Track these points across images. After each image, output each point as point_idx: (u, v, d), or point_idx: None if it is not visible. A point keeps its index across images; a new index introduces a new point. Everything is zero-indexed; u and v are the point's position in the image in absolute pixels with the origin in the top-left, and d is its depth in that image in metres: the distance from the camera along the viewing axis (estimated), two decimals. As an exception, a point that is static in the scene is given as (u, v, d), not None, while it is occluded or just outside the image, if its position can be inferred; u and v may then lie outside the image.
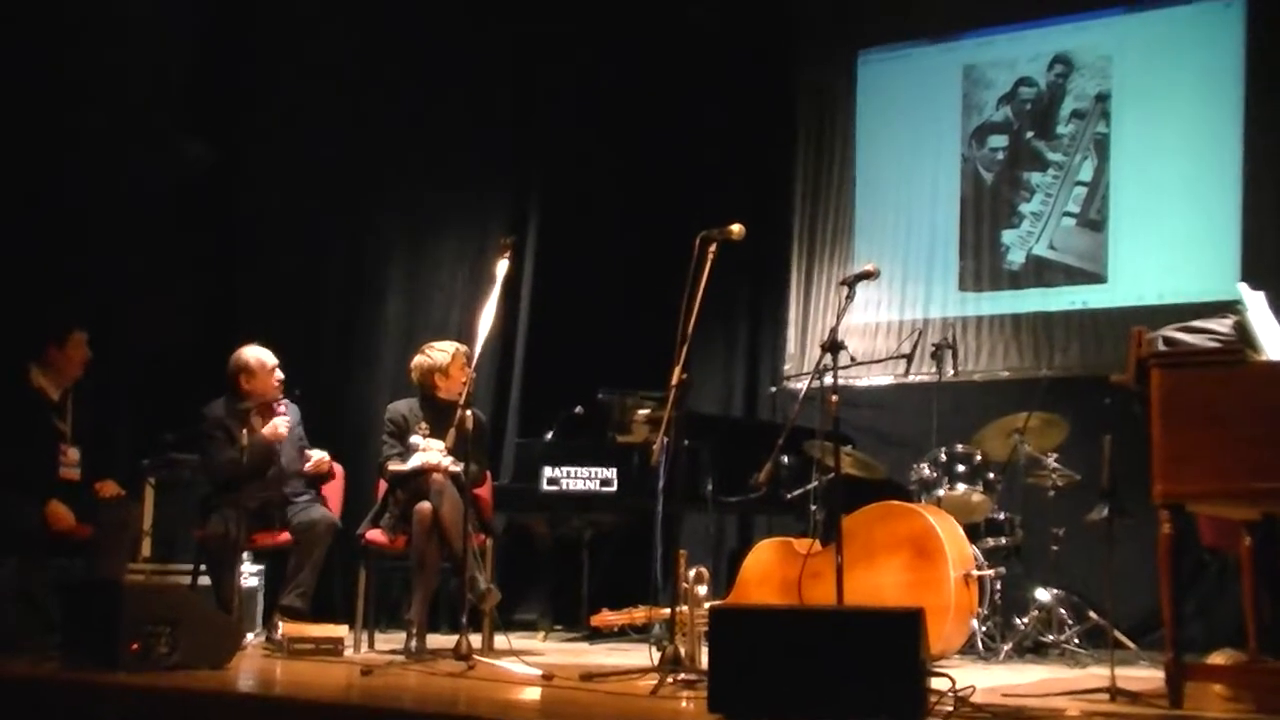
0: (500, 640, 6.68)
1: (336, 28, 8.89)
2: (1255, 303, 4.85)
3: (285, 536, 6.89)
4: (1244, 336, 4.75)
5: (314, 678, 5.54)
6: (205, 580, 6.69)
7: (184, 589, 6.43)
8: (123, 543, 6.66)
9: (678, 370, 5.47)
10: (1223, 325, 4.87)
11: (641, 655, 5.72)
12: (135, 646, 5.31)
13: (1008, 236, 9.08)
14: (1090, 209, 8.83)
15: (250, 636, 6.69)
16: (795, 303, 9.68)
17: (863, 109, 9.72)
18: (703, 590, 5.53)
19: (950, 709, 4.17)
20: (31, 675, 5.28)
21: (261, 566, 7.35)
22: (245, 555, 6.96)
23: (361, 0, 9.07)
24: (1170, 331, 4.93)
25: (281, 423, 7.01)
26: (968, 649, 6.73)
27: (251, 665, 5.88)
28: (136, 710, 4.85)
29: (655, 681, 4.90)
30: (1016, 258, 9.05)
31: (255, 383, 7.10)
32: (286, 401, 7.14)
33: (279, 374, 7.15)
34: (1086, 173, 8.87)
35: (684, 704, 4.51)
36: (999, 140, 9.20)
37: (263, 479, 6.95)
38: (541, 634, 8.04)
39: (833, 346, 5.61)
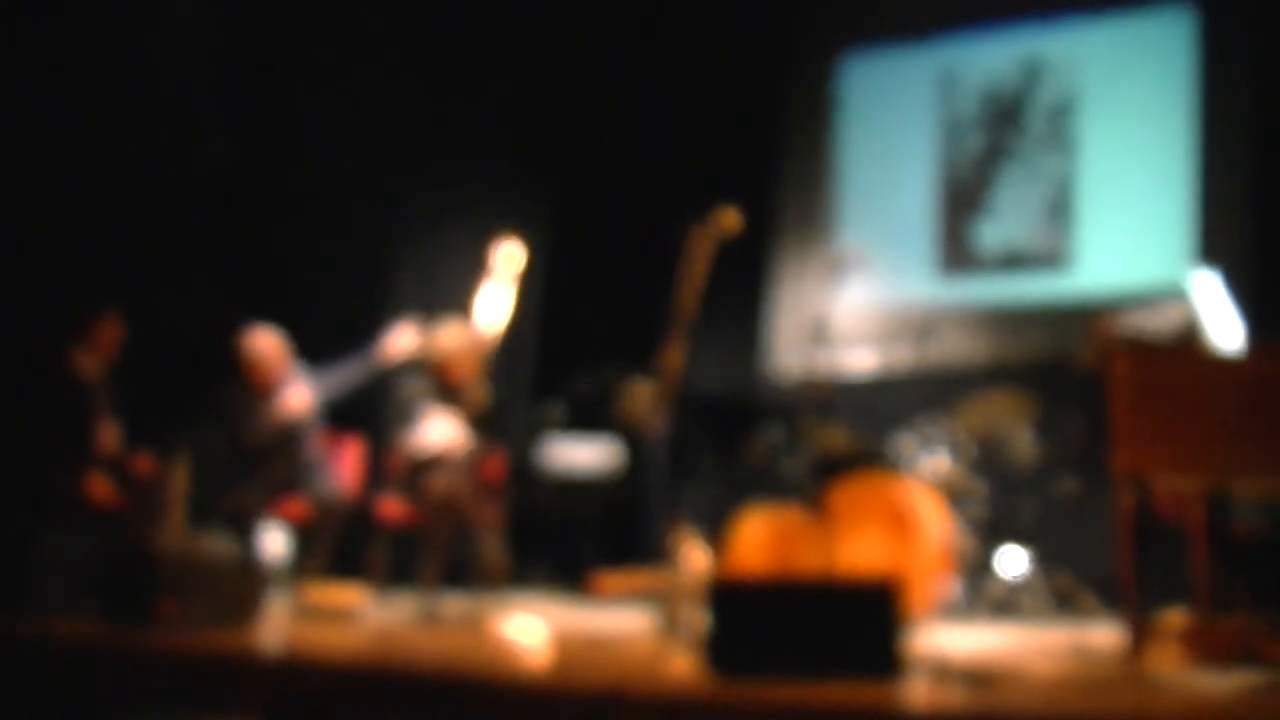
0: (507, 606, 6.97)
1: (354, 22, 9.13)
2: (1204, 289, 5.21)
3: (305, 508, 7.22)
4: (1191, 326, 5.12)
5: (333, 640, 5.75)
6: (233, 546, 6.98)
7: (212, 553, 6.73)
8: (158, 512, 6.97)
9: (672, 353, 5.72)
10: (1174, 314, 5.22)
11: (640, 618, 5.99)
12: (168, 607, 5.69)
13: (981, 226, 9.36)
14: (1057, 201, 9.12)
15: (273, 600, 6.94)
16: (783, 284, 9.92)
17: (845, 102, 9.95)
18: (699, 557, 5.77)
19: (926, 667, 4.46)
20: (72, 637, 5.52)
21: (284, 533, 7.59)
22: (268, 523, 7.29)
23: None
24: (1129, 319, 5.27)
25: (294, 401, 7.30)
26: (945, 611, 6.98)
27: (274, 627, 6.10)
28: (170, 667, 5.09)
29: (655, 642, 5.20)
30: (989, 246, 9.33)
31: (263, 368, 7.39)
32: (304, 380, 7.43)
33: (289, 356, 7.43)
34: (1054, 167, 9.15)
35: (684, 664, 4.64)
36: (972, 135, 9.46)
37: (281, 455, 7.28)
38: (547, 598, 8.29)
39: (820, 329, 5.80)
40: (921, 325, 8.74)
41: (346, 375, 7.44)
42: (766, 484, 8.45)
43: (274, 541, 7.37)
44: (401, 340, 7.34)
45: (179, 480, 6.62)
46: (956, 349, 9.12)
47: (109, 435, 7.07)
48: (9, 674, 5.21)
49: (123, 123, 8.12)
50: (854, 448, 7.77)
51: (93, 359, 7.12)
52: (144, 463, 7.07)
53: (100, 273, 7.92)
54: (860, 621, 4.21)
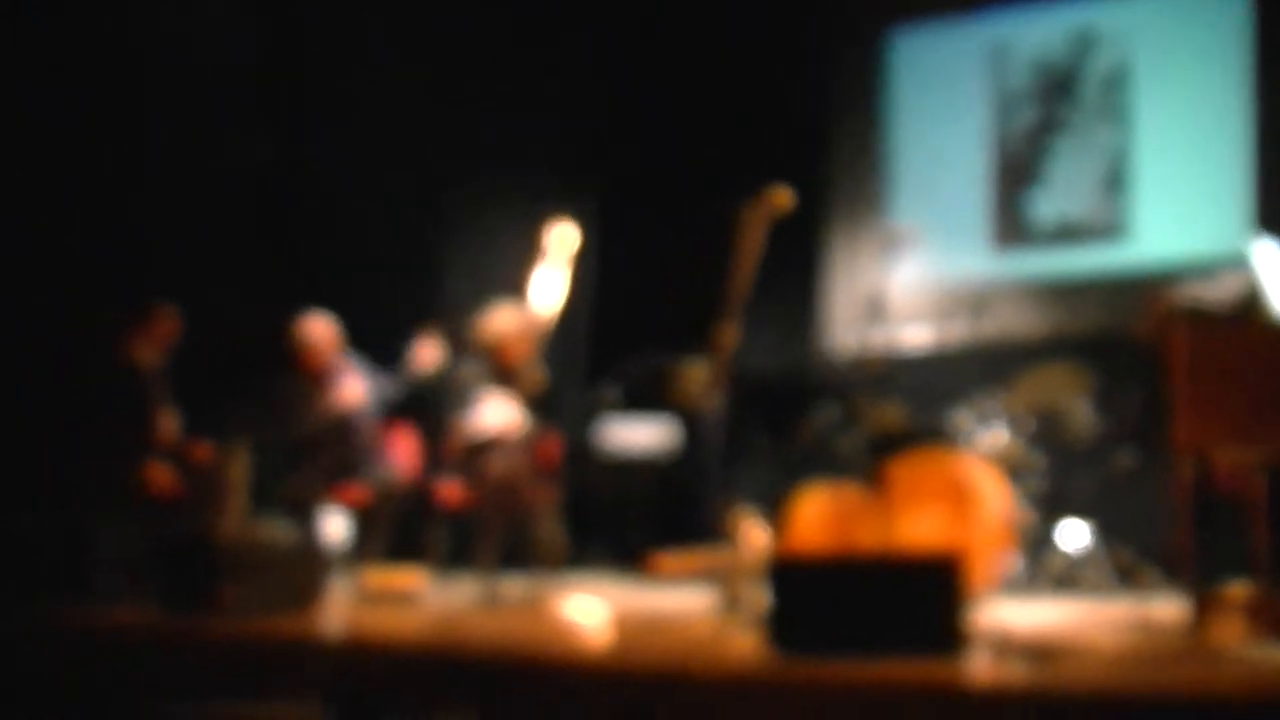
0: (566, 587, 6.99)
1: (397, 8, 9.14)
2: (1265, 258, 5.17)
3: (363, 492, 7.27)
4: (1254, 294, 5.07)
5: (393, 623, 5.78)
6: (293, 532, 7.03)
7: (272, 540, 6.76)
8: (218, 501, 7.03)
9: (726, 332, 5.73)
10: (1233, 284, 5.18)
11: (701, 598, 5.99)
12: (229, 594, 5.74)
13: (1035, 199, 9.31)
14: (1112, 173, 9.05)
15: (333, 585, 6.99)
16: (836, 262, 9.90)
17: (894, 78, 9.91)
18: (757, 535, 5.80)
19: (987, 642, 4.46)
20: (133, 626, 5.58)
21: (343, 518, 7.61)
22: (327, 508, 7.34)
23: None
24: (1187, 290, 5.24)
25: (349, 392, 7.36)
26: (1006, 586, 6.96)
27: (335, 612, 6.16)
28: (231, 654, 5.15)
29: (716, 621, 5.20)
30: (1044, 219, 9.28)
31: (316, 355, 7.45)
32: (359, 368, 7.48)
33: (340, 344, 7.48)
34: (1108, 138, 9.08)
35: (746, 643, 4.68)
36: (1025, 108, 9.41)
37: (337, 441, 7.33)
38: (606, 579, 8.33)
39: (875, 306, 5.79)
40: (976, 300, 8.71)
41: (383, 384, 7.50)
42: (822, 463, 8.44)
43: (333, 526, 7.41)
44: (427, 357, 7.37)
45: (238, 468, 6.67)
46: (1012, 323, 9.07)
47: (168, 424, 7.13)
48: (71, 663, 5.26)
49: (173, 116, 8.17)
50: (910, 424, 7.76)
51: (150, 349, 7.18)
52: (203, 451, 7.12)
53: (156, 264, 7.97)
54: (922, 597, 4.21)
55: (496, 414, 7.08)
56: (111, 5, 8.00)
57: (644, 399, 8.59)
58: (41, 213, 7.71)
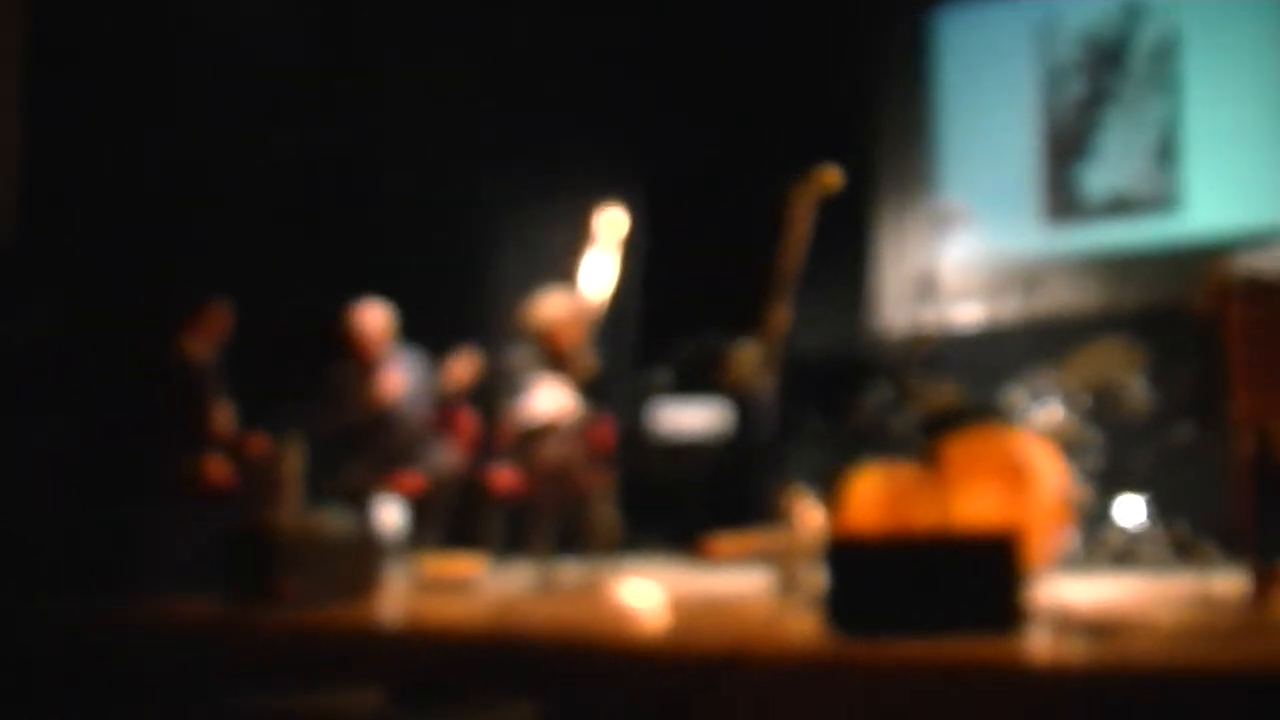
0: (622, 571, 7.01)
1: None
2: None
3: (419, 481, 7.30)
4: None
5: (451, 611, 5.79)
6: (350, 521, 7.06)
7: (329, 530, 6.79)
8: (274, 492, 7.07)
9: (777, 314, 5.73)
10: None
11: (756, 580, 5.99)
12: (288, 585, 5.77)
13: (1087, 173, 9.26)
14: (1163, 144, 8.97)
15: (391, 574, 7.01)
16: (886, 241, 9.88)
17: (941, 55, 9.87)
18: (813, 516, 5.81)
19: (1047, 619, 4.45)
20: (193, 618, 5.61)
21: (399, 507, 7.65)
22: (383, 497, 7.37)
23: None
24: (1244, 261, 5.19)
25: (397, 379, 7.40)
26: (1064, 562, 6.92)
27: (393, 600, 6.20)
28: (291, 644, 5.18)
29: (773, 603, 5.20)
30: (1095, 193, 9.21)
31: (371, 340, 7.49)
32: (409, 356, 7.52)
33: (394, 332, 7.52)
34: (1159, 109, 9.01)
35: (804, 624, 4.67)
36: (1073, 81, 9.34)
37: (390, 430, 7.37)
38: (661, 563, 8.35)
39: (926, 285, 5.77)
40: (1028, 276, 8.67)
41: (420, 400, 7.54)
42: (875, 443, 8.42)
43: (389, 515, 7.44)
44: (461, 371, 7.39)
45: (293, 459, 6.70)
46: (1065, 299, 9.02)
47: (223, 418, 7.17)
48: (132, 657, 5.30)
49: (223, 108, 8.21)
50: (964, 403, 7.74)
51: (203, 344, 7.23)
52: (258, 443, 7.16)
53: (206, 258, 8.02)
54: (980, 575, 4.19)
55: (549, 400, 7.09)
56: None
57: (695, 382, 8.59)
58: (93, 209, 7.76)
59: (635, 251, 9.45)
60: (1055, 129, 9.39)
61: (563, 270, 7.62)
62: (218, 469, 6.97)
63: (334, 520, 6.37)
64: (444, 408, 7.58)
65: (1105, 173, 9.18)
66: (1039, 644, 4.05)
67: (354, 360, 7.48)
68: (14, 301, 7.39)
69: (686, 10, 10.10)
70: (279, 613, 5.55)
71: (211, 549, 6.34)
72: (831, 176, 5.68)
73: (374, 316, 7.50)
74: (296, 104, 8.69)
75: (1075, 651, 3.97)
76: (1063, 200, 9.31)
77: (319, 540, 6.13)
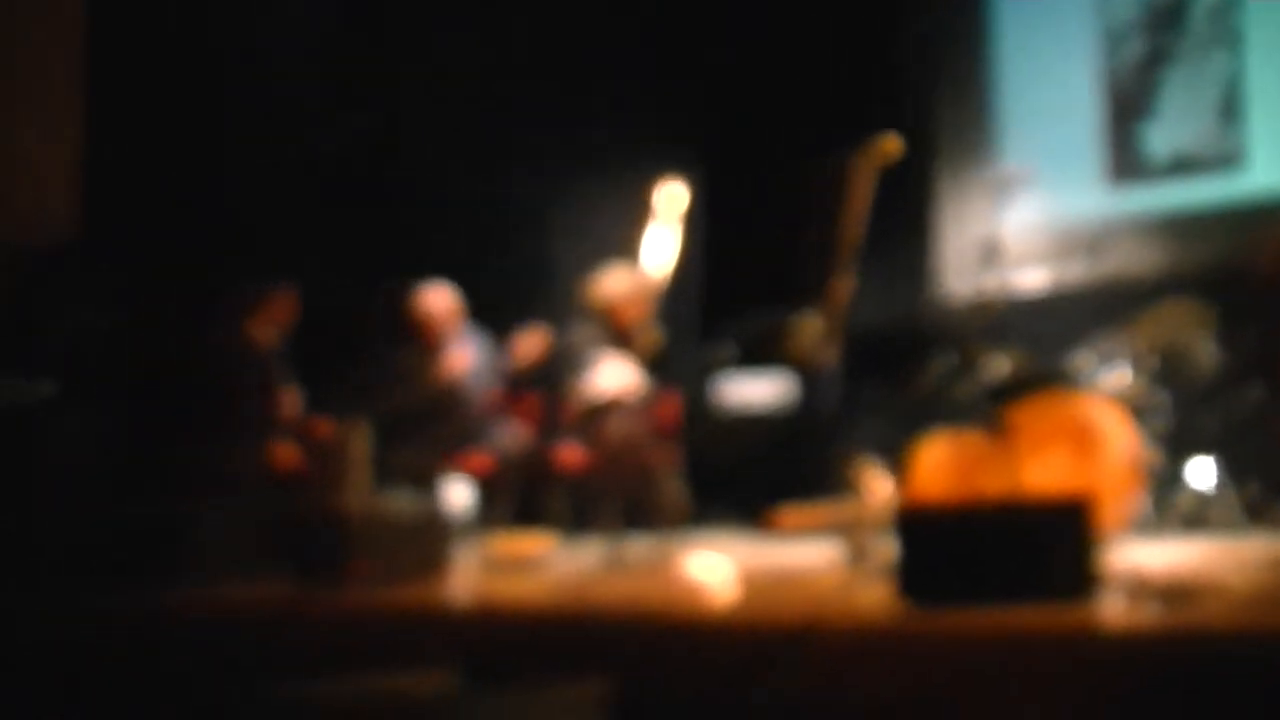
0: (690, 546, 7.01)
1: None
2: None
3: (486, 460, 7.32)
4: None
5: (522, 589, 5.84)
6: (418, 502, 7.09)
7: (398, 511, 6.83)
8: (342, 475, 7.11)
9: (839, 285, 5.73)
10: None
11: (825, 551, 5.93)
12: (359, 567, 5.81)
13: (1149, 134, 9.16)
14: (1226, 102, 8.86)
15: (460, 553, 7.08)
16: (947, 209, 9.80)
17: (999, 19, 9.78)
18: (881, 486, 5.82)
19: (1120, 585, 4.40)
20: (265, 603, 5.69)
21: (467, 487, 7.68)
22: (450, 477, 7.40)
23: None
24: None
25: (463, 357, 7.42)
26: (1135, 527, 6.88)
27: (464, 580, 6.22)
28: (364, 626, 5.22)
29: (844, 574, 5.19)
30: (1158, 153, 9.10)
31: (435, 322, 7.52)
32: (474, 337, 7.55)
33: (459, 314, 7.54)
34: (1220, 66, 8.88)
35: (875, 595, 4.65)
36: (1133, 40, 9.22)
37: (457, 410, 7.40)
38: (729, 536, 8.34)
39: (989, 252, 5.74)
40: (1092, 239, 8.60)
41: (485, 380, 7.55)
42: (942, 411, 8.39)
43: (457, 495, 7.48)
44: (529, 348, 7.40)
45: (361, 441, 6.74)
46: (1129, 261, 8.93)
47: (290, 402, 7.23)
48: (201, 643, 5.34)
49: (281, 93, 8.25)
50: (1030, 369, 7.70)
51: (268, 330, 7.28)
52: (325, 427, 7.20)
53: (270, 245, 8.07)
54: (1053, 541, 4.16)
55: (613, 377, 7.10)
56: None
57: (759, 355, 8.57)
58: (156, 199, 7.82)
59: (696, 226, 9.47)
60: (1115, 90, 9.29)
61: (624, 247, 7.63)
62: (285, 454, 7.02)
63: (402, 502, 6.41)
64: (512, 386, 7.60)
65: (1167, 132, 9.08)
66: (1112, 610, 4.02)
67: (419, 343, 7.51)
68: (80, 293, 7.46)
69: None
70: (349, 595, 5.58)
71: (280, 534, 6.43)
72: (891, 145, 5.69)
73: (438, 298, 7.53)
74: (353, 87, 8.71)
75: (1148, 617, 3.94)
76: (1124, 162, 9.22)
77: (387, 522, 6.16)
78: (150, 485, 6.85)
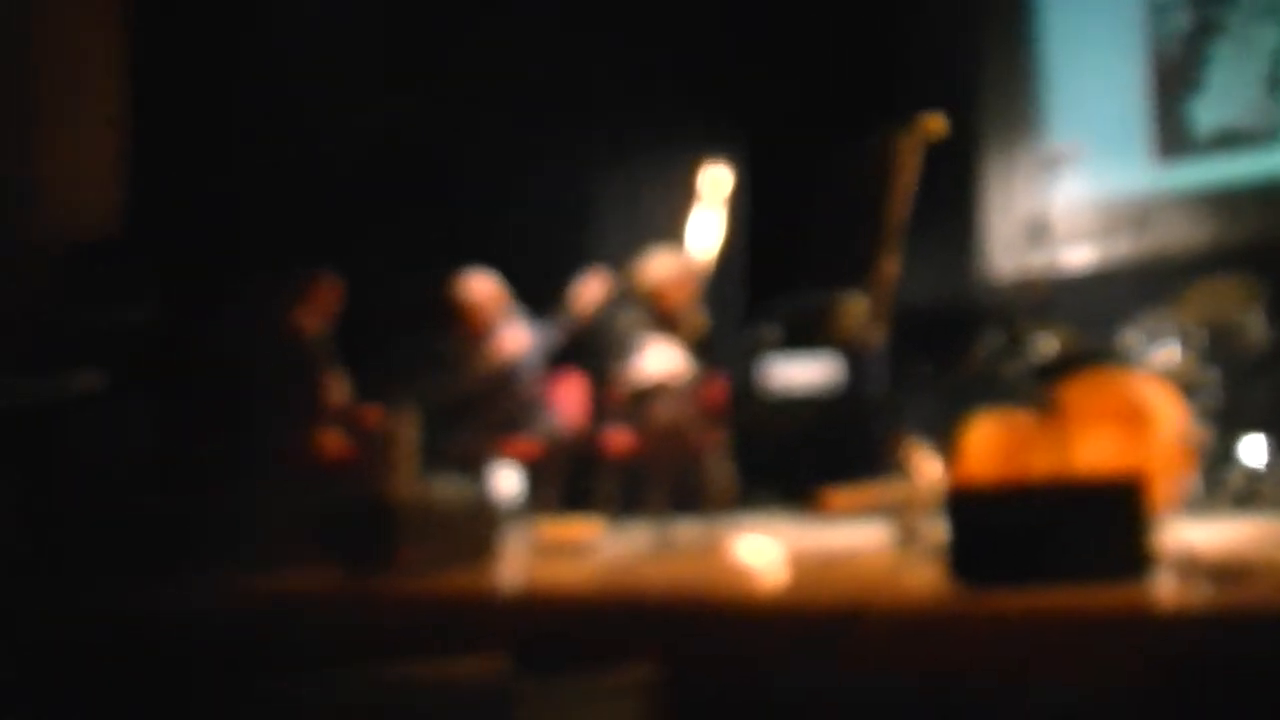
0: (739, 528, 7.00)
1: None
2: None
3: (534, 445, 7.33)
4: None
5: (571, 574, 5.85)
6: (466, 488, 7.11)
7: (446, 497, 6.84)
8: (390, 461, 7.14)
9: (886, 265, 5.72)
10: None
11: (874, 533, 5.94)
12: (407, 554, 5.82)
13: (1197, 108, 9.09)
14: (1274, 74, 8.74)
15: (509, 539, 7.09)
16: (993, 186, 9.74)
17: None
18: (930, 467, 5.80)
19: (1172, 564, 4.35)
20: (315, 590, 5.71)
21: (515, 472, 7.70)
22: (498, 463, 7.41)
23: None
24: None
25: (510, 343, 7.44)
26: (1185, 505, 6.85)
27: (513, 565, 6.22)
28: (414, 613, 5.24)
29: (893, 555, 5.18)
30: (1205, 127, 9.03)
31: (480, 309, 7.53)
32: (521, 321, 7.56)
33: (503, 299, 7.56)
34: (1268, 38, 8.79)
35: (925, 576, 4.65)
36: (1179, 13, 9.13)
37: (504, 395, 7.41)
38: (778, 519, 8.31)
39: (1037, 230, 5.72)
40: (1139, 215, 8.53)
41: (550, 333, 7.55)
42: (990, 390, 8.35)
43: (505, 481, 7.49)
44: (591, 293, 7.40)
45: (408, 428, 6.75)
46: (1177, 237, 8.86)
47: (337, 390, 7.25)
48: (253, 629, 5.37)
49: (322, 78, 8.26)
50: (1078, 346, 7.65)
51: (314, 317, 7.31)
52: (372, 414, 7.22)
53: (313, 233, 8.09)
54: (1105, 521, 4.13)
55: (659, 360, 7.09)
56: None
57: (805, 336, 8.55)
58: (200, 190, 7.85)
59: (740, 207, 9.45)
60: (1161, 64, 9.22)
61: (669, 230, 7.63)
62: (333, 441, 7.04)
63: (450, 488, 6.43)
64: (569, 343, 7.58)
65: (1214, 106, 9.00)
66: (1164, 590, 4.00)
67: (463, 329, 7.52)
68: (125, 284, 7.49)
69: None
70: (399, 582, 5.60)
71: (328, 522, 6.45)
72: (936, 123, 5.68)
73: (480, 285, 7.55)
74: (393, 72, 8.71)
75: (1200, 597, 3.91)
76: (1171, 136, 9.15)
77: (436, 508, 6.17)
78: (197, 476, 6.88)
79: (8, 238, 7.37)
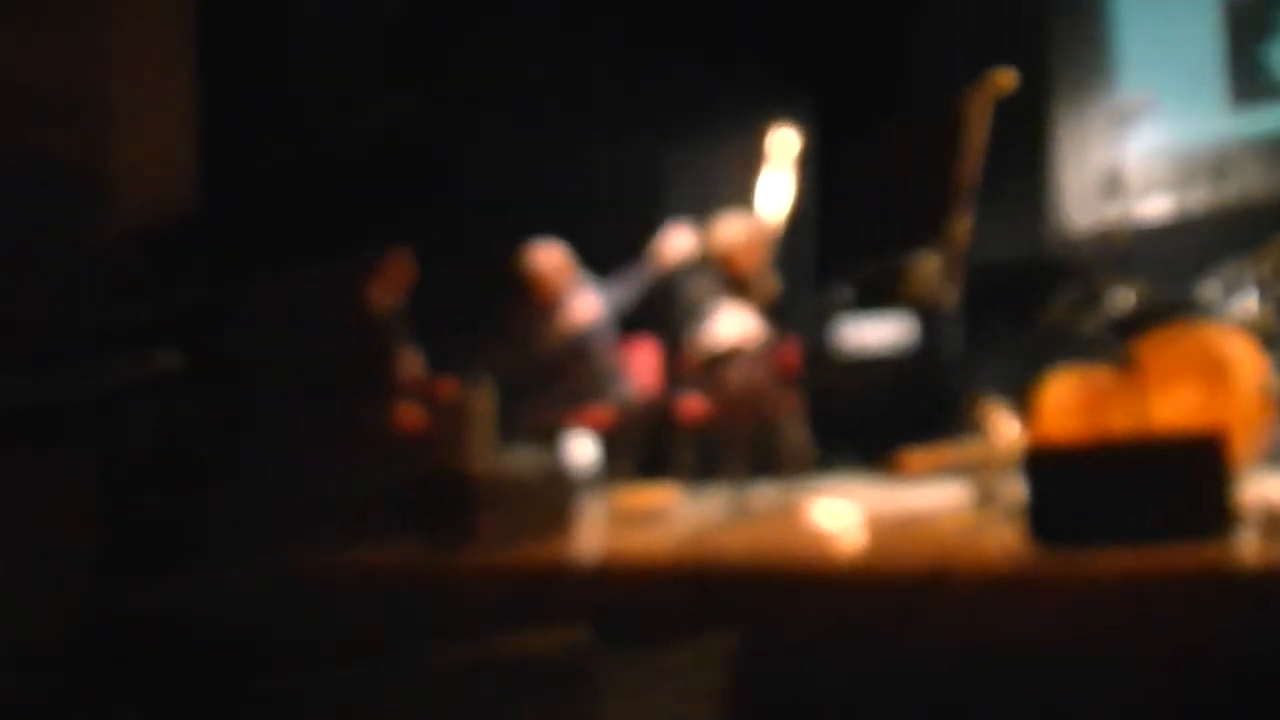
0: (815, 492, 6.98)
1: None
2: None
3: (608, 414, 7.34)
4: None
5: (649, 542, 5.84)
6: (542, 459, 7.13)
7: (523, 468, 6.86)
8: (466, 434, 7.18)
9: (958, 224, 5.68)
10: None
11: (952, 494, 5.90)
12: (486, 526, 5.84)
13: (1272, 51, 8.92)
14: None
15: (586, 508, 7.11)
16: (1065, 140, 9.65)
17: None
18: (1008, 426, 5.76)
19: (1256, 520, 4.29)
20: (395, 565, 5.74)
21: (590, 441, 7.72)
22: (573, 432, 7.43)
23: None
24: None
25: (581, 311, 7.45)
26: (1267, 460, 6.79)
27: (590, 535, 6.23)
28: (494, 585, 5.27)
29: (972, 517, 5.15)
30: (1280, 72, 8.92)
31: (547, 283, 7.56)
32: (589, 290, 7.57)
33: (572, 267, 7.57)
34: (1353, -25, 8.68)
35: (1005, 537, 4.60)
36: (1258, -46, 9.04)
37: (577, 365, 7.42)
38: (854, 482, 8.29)
39: (1112, 183, 5.67)
40: (1216, 164, 8.41)
41: (628, 286, 7.56)
42: (1067, 347, 8.28)
43: (581, 450, 7.51)
44: (677, 244, 7.40)
45: (483, 400, 6.77)
46: (1256, 184, 8.74)
47: (412, 364, 7.28)
48: (334, 606, 5.41)
49: (378, 62, 8.28)
50: (1157, 300, 7.57)
51: (387, 293, 7.34)
52: (447, 387, 7.26)
53: (383, 209, 8.12)
54: (1187, 478, 4.07)
55: (732, 325, 7.08)
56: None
57: (878, 297, 8.51)
58: (271, 166, 7.89)
59: (810, 169, 9.40)
60: (1235, 8, 9.08)
61: (737, 194, 7.61)
62: (409, 415, 7.07)
63: (526, 459, 6.44)
64: (651, 282, 7.57)
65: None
66: (1248, 548, 3.94)
67: (533, 300, 7.54)
68: (202, 262, 7.54)
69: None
70: (478, 554, 5.62)
71: (407, 495, 6.47)
72: (1005, 78, 5.64)
73: (548, 255, 7.57)
74: (456, 50, 8.71)
75: (1287, 553, 3.86)
76: (1248, 81, 9.01)
77: (513, 480, 6.18)
78: (279, 449, 6.93)
79: (82, 227, 7.43)
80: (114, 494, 6.56)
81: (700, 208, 8.01)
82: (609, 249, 7.91)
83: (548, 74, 9.05)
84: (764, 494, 6.95)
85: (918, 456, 6.85)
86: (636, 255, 7.67)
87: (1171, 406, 6.28)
